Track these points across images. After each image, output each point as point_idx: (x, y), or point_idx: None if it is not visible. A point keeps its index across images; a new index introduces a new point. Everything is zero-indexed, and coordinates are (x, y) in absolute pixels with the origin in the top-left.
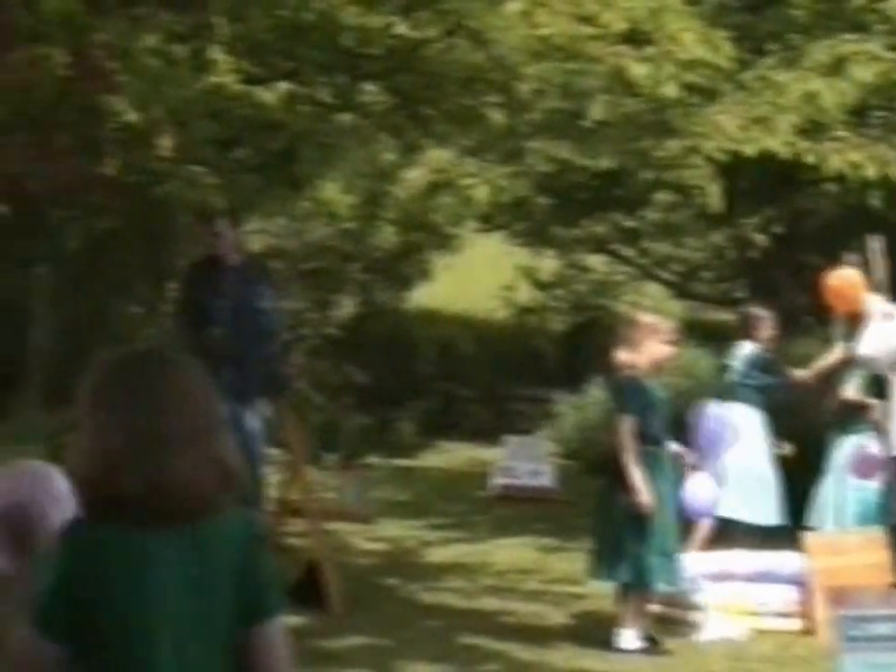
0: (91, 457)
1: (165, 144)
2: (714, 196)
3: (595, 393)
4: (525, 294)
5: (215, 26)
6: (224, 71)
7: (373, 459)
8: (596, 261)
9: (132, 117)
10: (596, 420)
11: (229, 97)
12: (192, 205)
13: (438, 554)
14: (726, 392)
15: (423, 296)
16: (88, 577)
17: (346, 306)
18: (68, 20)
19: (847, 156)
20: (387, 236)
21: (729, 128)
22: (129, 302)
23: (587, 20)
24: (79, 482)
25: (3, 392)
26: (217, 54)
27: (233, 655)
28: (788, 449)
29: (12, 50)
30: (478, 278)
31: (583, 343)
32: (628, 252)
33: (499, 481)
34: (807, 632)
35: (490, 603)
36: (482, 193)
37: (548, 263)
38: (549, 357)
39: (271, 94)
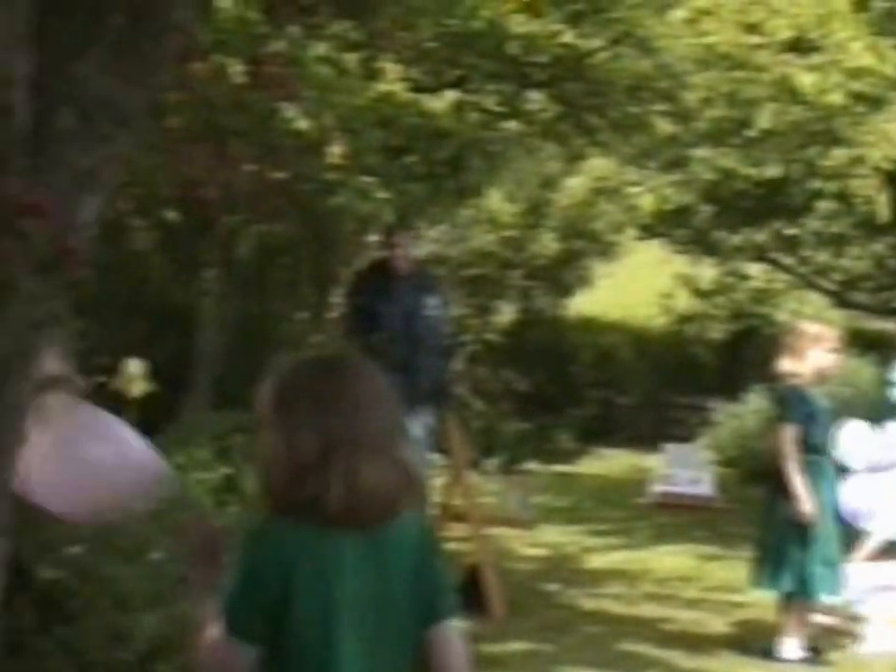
0: (283, 460)
1: (336, 152)
2: (882, 205)
3: (754, 401)
4: (684, 302)
5: (388, 35)
6: (393, 79)
7: (533, 465)
8: (756, 270)
9: (303, 125)
10: (755, 428)
11: (397, 105)
12: (360, 215)
13: (598, 560)
14: (889, 410)
15: (582, 303)
16: (275, 578)
17: (506, 313)
18: (245, 29)
19: None
20: (548, 243)
21: None
22: (294, 307)
23: (753, 28)
24: (269, 483)
25: (172, 394)
26: (386, 63)
27: (413, 656)
28: None
29: (191, 61)
30: (637, 285)
31: (742, 352)
32: (788, 261)
33: (658, 488)
34: None
35: (650, 610)
36: (646, 202)
37: (707, 271)
38: (707, 364)
39: (439, 102)
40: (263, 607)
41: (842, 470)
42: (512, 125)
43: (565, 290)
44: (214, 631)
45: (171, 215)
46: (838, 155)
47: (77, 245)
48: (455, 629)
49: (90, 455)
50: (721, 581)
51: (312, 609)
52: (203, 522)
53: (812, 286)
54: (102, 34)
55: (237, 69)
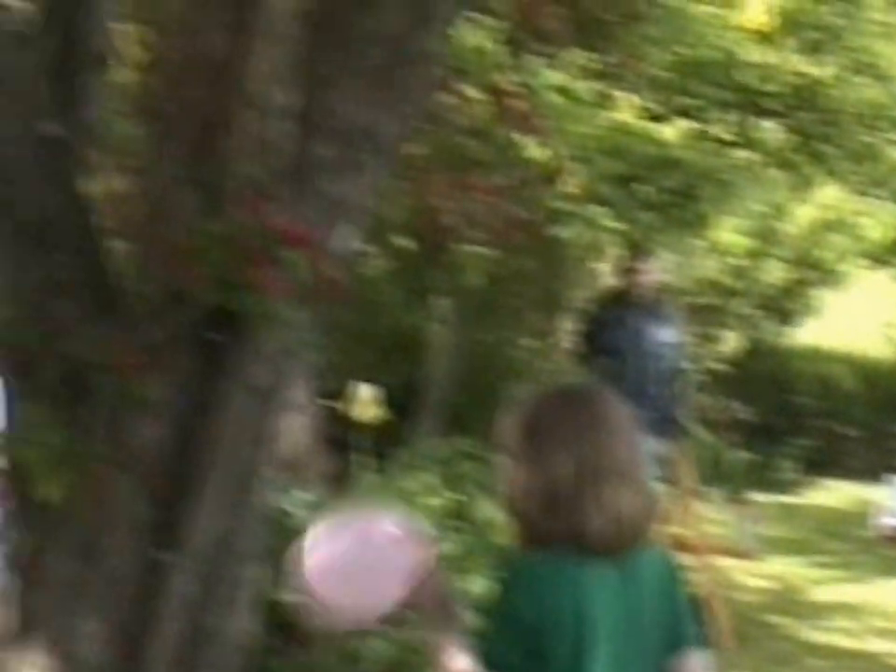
0: (537, 491)
1: (568, 181)
2: None
3: None
4: None
5: (624, 64)
6: (625, 108)
7: (757, 495)
8: None
9: (538, 154)
10: None
11: (629, 134)
12: (586, 244)
13: (823, 593)
14: None
15: (807, 332)
16: (532, 609)
17: (731, 342)
18: (484, 58)
19: None
20: (775, 272)
21: None
22: (523, 335)
23: None
24: (521, 515)
25: (402, 419)
26: (618, 91)
27: None
28: None
29: (436, 90)
30: (864, 315)
31: None
32: None
33: (884, 521)
34: None
35: (877, 644)
36: (875, 232)
37: None
38: None
39: (670, 131)
40: (520, 639)
41: None
42: (744, 154)
43: (790, 319)
44: (460, 663)
45: (404, 241)
46: None
47: (336, 274)
48: (701, 659)
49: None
50: None
51: (567, 639)
52: (429, 577)
53: None
54: (360, 65)
55: (478, 98)
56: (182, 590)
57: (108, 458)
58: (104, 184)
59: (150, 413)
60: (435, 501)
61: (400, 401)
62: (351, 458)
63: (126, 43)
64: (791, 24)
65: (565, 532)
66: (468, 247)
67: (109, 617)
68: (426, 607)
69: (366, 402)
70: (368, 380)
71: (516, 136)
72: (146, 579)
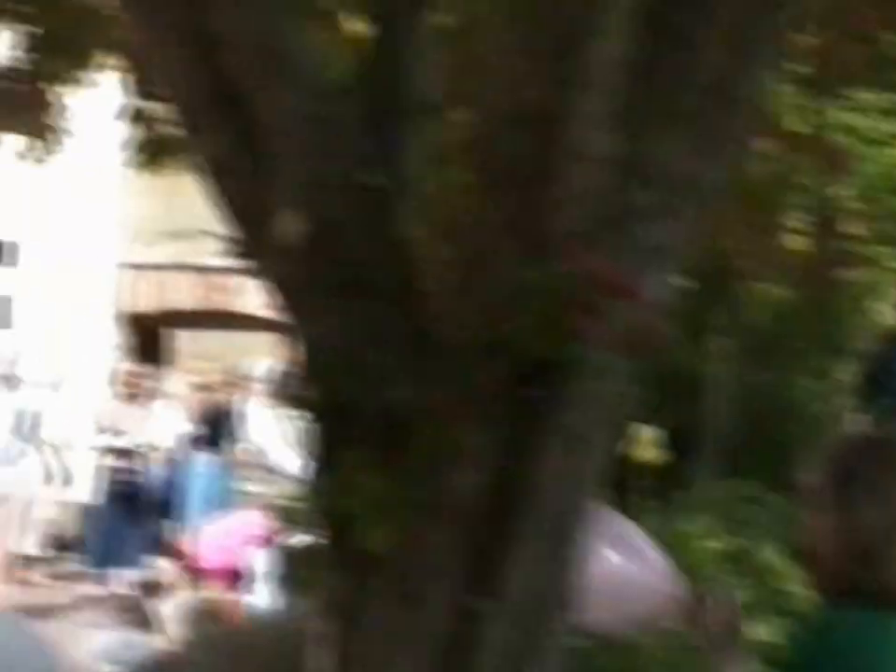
0: (847, 541)
1: (855, 220)
2: None
3: None
4: None
5: None
6: None
7: None
8: None
9: (830, 193)
10: None
11: None
12: (872, 285)
13: None
14: None
15: None
16: (834, 663)
17: None
18: (779, 98)
19: None
20: None
21: None
22: (804, 375)
23: None
24: (825, 564)
25: (682, 461)
26: None
27: None
28: None
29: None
30: None
31: None
32: None
33: None
34: None
35: None
36: None
37: None
38: None
39: None
40: None
41: None
42: None
43: None
44: None
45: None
46: None
47: (655, 323)
48: None
49: (614, 563)
50: None
51: None
52: (718, 604)
53: None
54: (681, 111)
55: (774, 139)
56: (498, 639)
57: (427, 505)
58: (421, 233)
59: (468, 461)
60: (714, 545)
61: (681, 443)
62: (630, 500)
63: (445, 93)
64: None
65: (873, 585)
66: (752, 285)
67: (425, 665)
68: (714, 635)
69: (646, 443)
70: (648, 421)
71: (813, 177)
72: (462, 627)
